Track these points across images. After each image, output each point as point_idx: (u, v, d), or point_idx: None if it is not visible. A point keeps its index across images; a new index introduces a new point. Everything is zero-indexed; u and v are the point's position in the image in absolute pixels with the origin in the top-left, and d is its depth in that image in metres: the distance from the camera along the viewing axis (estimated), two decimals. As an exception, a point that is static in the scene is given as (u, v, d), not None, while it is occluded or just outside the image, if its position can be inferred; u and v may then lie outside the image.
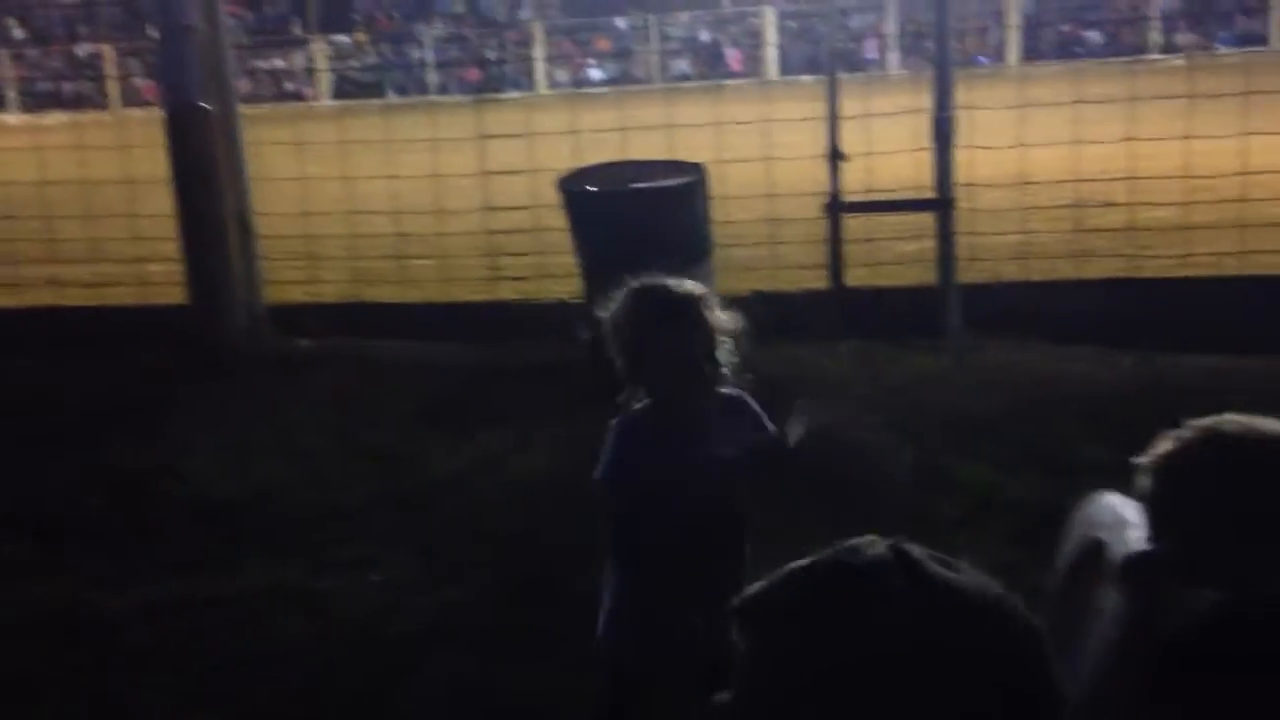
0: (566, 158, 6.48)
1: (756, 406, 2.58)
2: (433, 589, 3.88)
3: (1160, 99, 6.73)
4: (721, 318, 2.50)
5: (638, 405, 2.58)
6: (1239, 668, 1.56)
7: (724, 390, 2.54)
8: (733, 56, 27.55)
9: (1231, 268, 5.93)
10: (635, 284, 2.60)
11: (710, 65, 28.00)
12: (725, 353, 2.49)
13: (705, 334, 2.46)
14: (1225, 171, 6.11)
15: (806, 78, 19.21)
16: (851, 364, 5.87)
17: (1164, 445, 1.75)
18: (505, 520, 4.35)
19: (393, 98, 24.04)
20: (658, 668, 2.54)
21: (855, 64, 25.69)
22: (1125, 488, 4.07)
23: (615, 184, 5.42)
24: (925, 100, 5.92)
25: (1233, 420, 1.75)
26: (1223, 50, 22.51)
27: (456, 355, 5.95)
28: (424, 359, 5.90)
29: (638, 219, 5.30)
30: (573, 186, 5.47)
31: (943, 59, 5.89)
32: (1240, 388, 4.85)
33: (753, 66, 26.73)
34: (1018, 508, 4.19)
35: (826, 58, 6.34)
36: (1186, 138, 6.02)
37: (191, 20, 6.13)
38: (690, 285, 2.56)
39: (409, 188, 7.46)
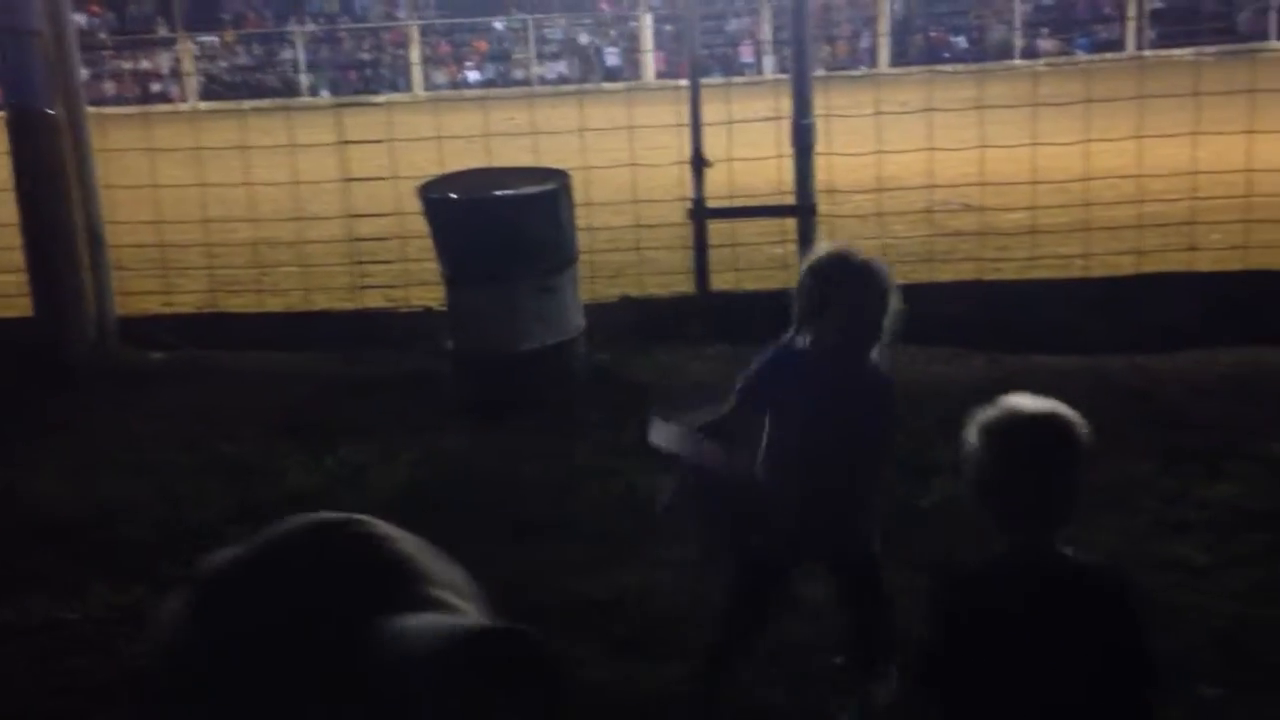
0: (435, 163, 6.42)
1: (893, 396, 2.96)
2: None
3: (1009, 107, 6.94)
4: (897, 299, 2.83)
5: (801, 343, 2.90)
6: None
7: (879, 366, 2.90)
8: (659, 58, 27.45)
9: (1077, 269, 6.16)
10: (838, 245, 2.95)
11: (589, 68, 28.04)
12: (890, 326, 2.84)
13: (886, 303, 2.80)
14: (1072, 175, 6.34)
15: (684, 82, 19.34)
16: (717, 366, 5.94)
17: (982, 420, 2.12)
18: (362, 535, 4.27)
19: (263, 101, 23.50)
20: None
21: (731, 68, 26.01)
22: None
23: (477, 191, 5.38)
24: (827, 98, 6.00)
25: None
26: (1081, 55, 23.39)
27: (318, 366, 5.84)
28: (284, 370, 5.77)
29: (500, 226, 5.27)
30: (434, 194, 5.42)
31: (800, 68, 5.98)
32: (1081, 384, 5.05)
33: (632, 70, 26.84)
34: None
35: (689, 64, 6.37)
36: (1035, 144, 6.22)
37: (35, 25, 5.90)
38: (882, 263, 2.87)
39: (272, 194, 7.31)
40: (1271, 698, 3.03)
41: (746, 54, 26.83)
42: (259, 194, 7.16)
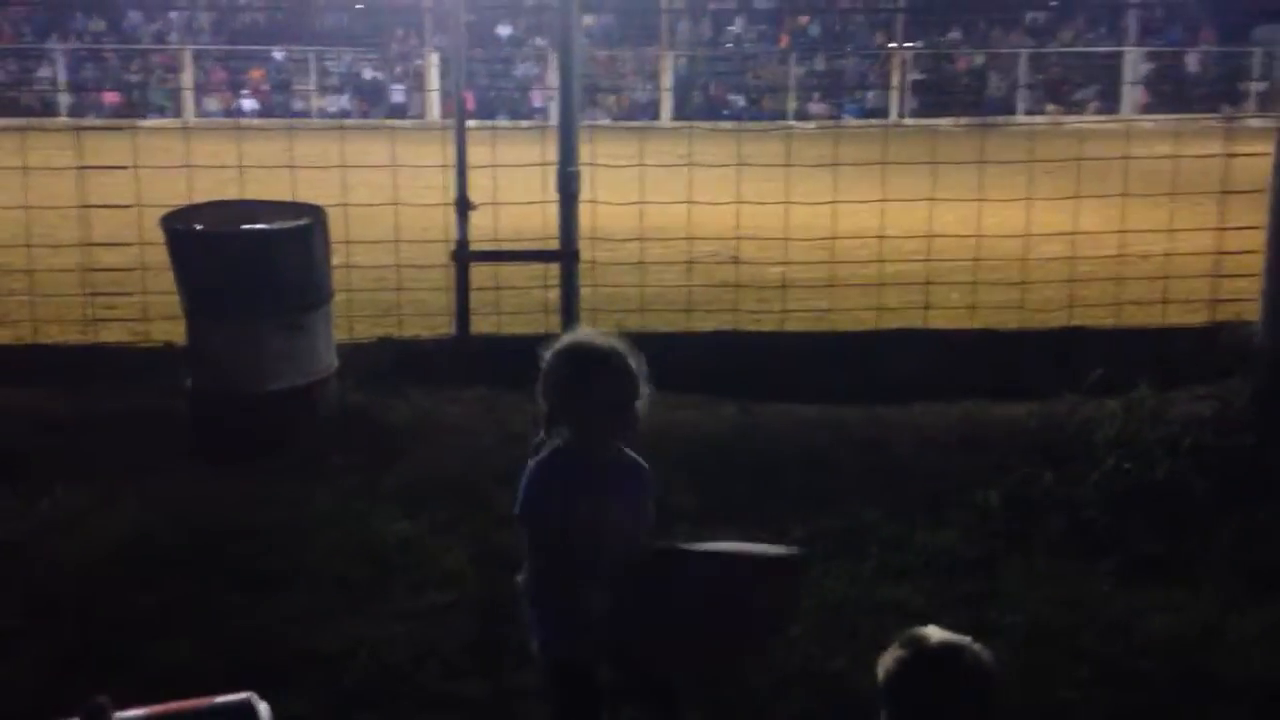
0: (193, 192, 6.13)
1: (649, 479, 2.78)
2: (-22, 667, 3.48)
3: (768, 165, 7.20)
4: (641, 372, 2.67)
5: (552, 446, 2.71)
6: None
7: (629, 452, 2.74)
8: (467, 96, 27.13)
9: (826, 324, 6.42)
10: (569, 338, 2.76)
11: (372, 102, 27.57)
12: (643, 406, 2.66)
13: (632, 384, 2.64)
14: (826, 233, 6.61)
15: (471, 122, 19.25)
16: (476, 410, 5.88)
17: (887, 660, 2.21)
18: (73, 587, 3.99)
19: (16, 120, 22.04)
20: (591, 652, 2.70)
21: (519, 112, 26.11)
22: (709, 534, 4.25)
23: (223, 224, 5.17)
24: (593, 147, 6.04)
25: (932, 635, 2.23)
26: (848, 119, 24.65)
27: (41, 402, 5.44)
28: (0, 406, 5.35)
29: (247, 262, 5.07)
30: (177, 225, 5.17)
31: (566, 116, 6.04)
32: (822, 433, 5.25)
33: (417, 108, 26.57)
34: (616, 555, 4.30)
35: (456, 106, 6.33)
36: (788, 202, 6.47)
37: None
38: (617, 341, 2.72)
39: (9, 216, 6.81)
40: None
41: (537, 99, 26.99)
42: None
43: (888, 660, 2.21)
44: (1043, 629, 3.78)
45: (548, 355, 2.72)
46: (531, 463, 2.74)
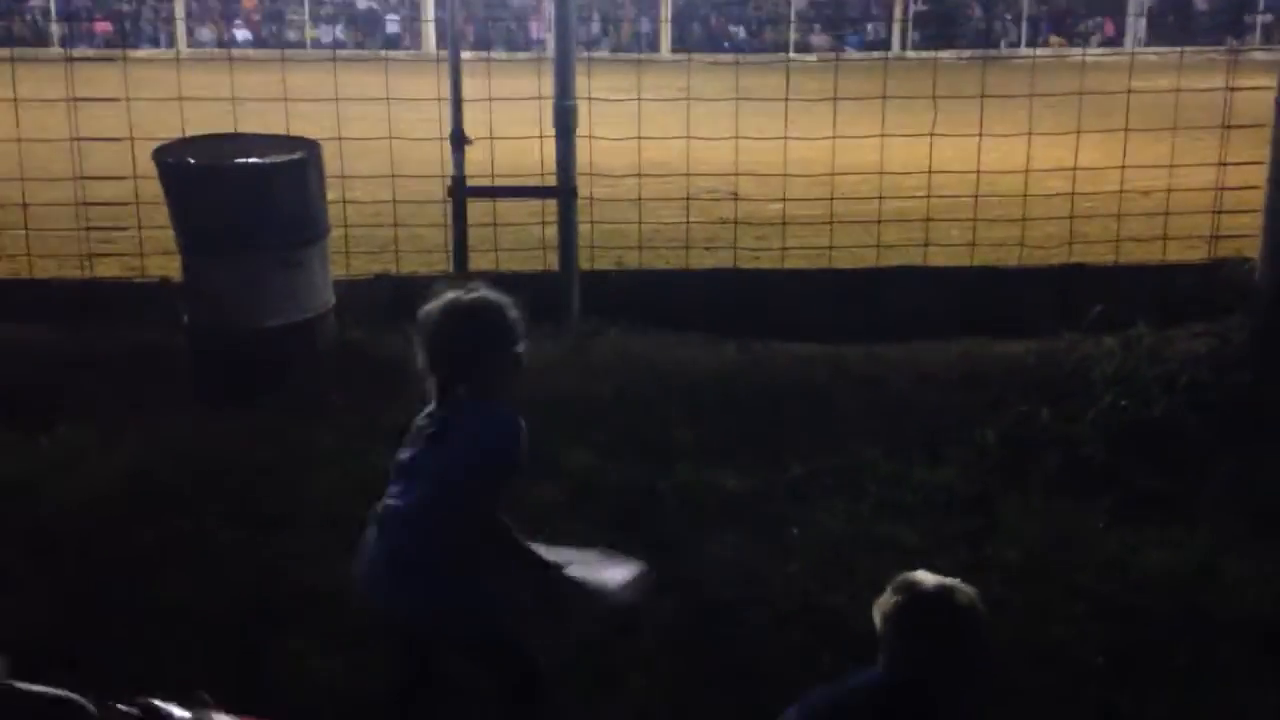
0: (177, 125, 6.05)
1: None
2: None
3: (763, 100, 7.11)
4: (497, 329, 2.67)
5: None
6: None
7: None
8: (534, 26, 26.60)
9: (824, 261, 6.39)
10: (451, 296, 2.71)
11: (368, 33, 27.21)
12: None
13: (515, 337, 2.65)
14: (819, 169, 6.55)
15: (467, 54, 19.00)
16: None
17: (884, 604, 2.26)
18: (76, 525, 4.00)
19: (5, 50, 21.70)
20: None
21: (516, 44, 25.79)
22: (710, 469, 4.25)
23: (217, 158, 5.11)
24: (590, 80, 5.96)
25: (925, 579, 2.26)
26: (850, 52, 24.36)
27: (39, 339, 5.42)
28: (-2, 343, 5.33)
29: (242, 197, 5.02)
30: (170, 159, 5.11)
31: (563, 49, 5.96)
32: (821, 371, 5.25)
33: (413, 39, 26.20)
34: (616, 491, 4.32)
35: (449, 38, 6.23)
36: (786, 138, 6.39)
37: None
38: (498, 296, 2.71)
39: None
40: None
41: (537, 30, 26.62)
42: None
43: (884, 604, 2.24)
44: (1039, 565, 3.81)
45: (439, 315, 2.68)
46: (470, 411, 2.66)
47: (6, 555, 3.79)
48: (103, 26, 26.10)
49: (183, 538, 3.98)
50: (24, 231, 6.39)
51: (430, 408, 2.69)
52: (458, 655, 2.78)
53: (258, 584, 3.71)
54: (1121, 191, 6.38)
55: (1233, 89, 6.11)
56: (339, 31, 26.73)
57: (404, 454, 2.71)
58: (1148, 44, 23.78)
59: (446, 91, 6.08)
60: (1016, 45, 24.85)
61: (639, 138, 6.38)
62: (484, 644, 2.69)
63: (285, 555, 3.89)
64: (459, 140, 6.10)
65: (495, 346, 2.65)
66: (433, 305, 2.68)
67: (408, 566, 2.60)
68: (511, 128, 6.57)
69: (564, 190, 6.04)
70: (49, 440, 4.55)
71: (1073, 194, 6.37)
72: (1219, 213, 6.24)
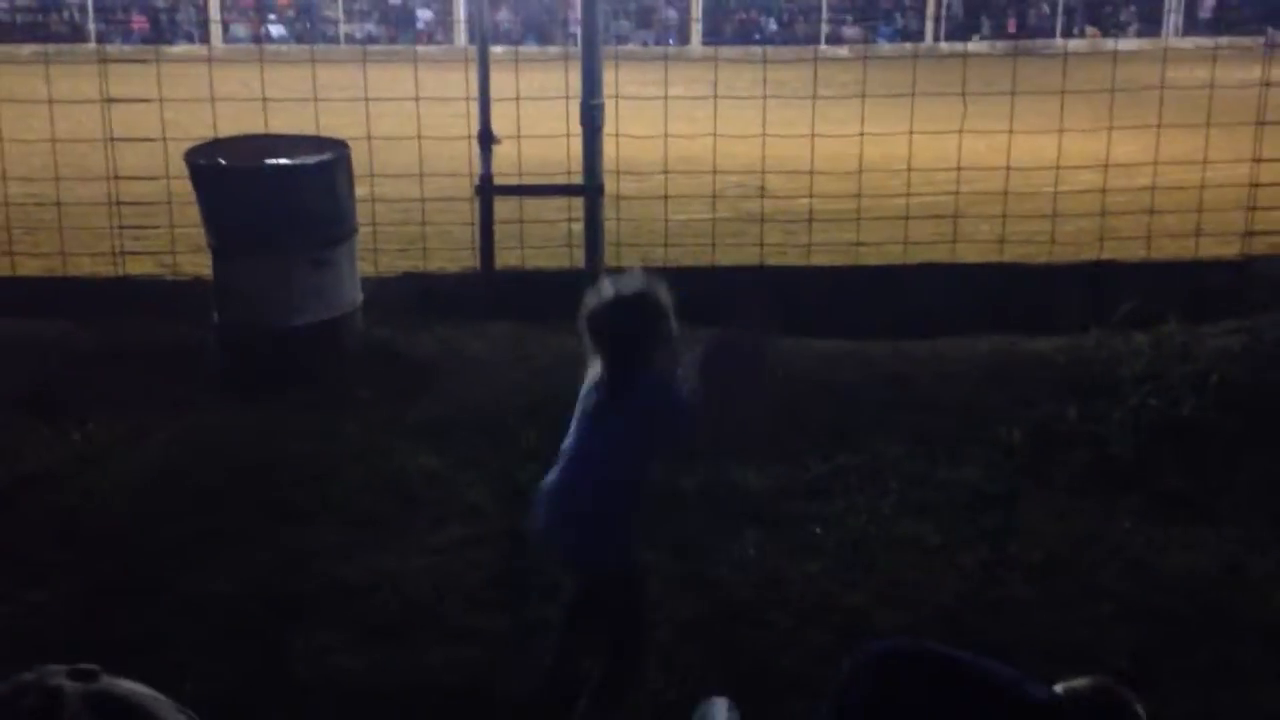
0: (210, 124, 6.12)
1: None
2: (12, 595, 3.58)
3: (780, 98, 7.10)
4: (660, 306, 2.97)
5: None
6: None
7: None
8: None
9: (851, 257, 6.37)
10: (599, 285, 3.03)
11: (400, 27, 27.31)
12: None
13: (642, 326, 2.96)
14: (847, 164, 6.52)
15: (498, 48, 19.04)
16: (501, 345, 5.90)
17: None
18: (107, 519, 4.07)
19: (46, 47, 21.98)
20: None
21: (548, 37, 25.80)
22: (733, 467, 4.25)
23: (247, 159, 5.17)
24: (617, 76, 5.97)
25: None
26: (882, 44, 24.20)
27: (71, 336, 5.50)
28: (32, 339, 5.41)
29: (271, 197, 5.08)
30: (201, 160, 5.17)
31: (590, 49, 5.97)
32: (847, 368, 5.23)
33: (446, 33, 26.30)
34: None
35: (479, 39, 6.26)
36: (813, 135, 6.37)
37: None
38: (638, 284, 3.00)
39: (39, 149, 6.82)
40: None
41: (574, 23, 26.62)
42: (22, 149, 6.68)
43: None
44: (1062, 565, 3.79)
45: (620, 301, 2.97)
46: (660, 385, 2.96)
47: (38, 547, 3.86)
48: (139, 23, 26.35)
49: (210, 532, 4.04)
50: (58, 229, 6.48)
51: (598, 377, 3.00)
52: (608, 588, 3.04)
53: (284, 578, 3.76)
54: (1154, 187, 6.32)
55: (1269, 83, 6.04)
56: (372, 26, 26.85)
57: (582, 415, 3.01)
58: (1185, 34, 23.47)
59: (475, 89, 6.11)
60: (1052, 36, 24.60)
61: (665, 135, 6.38)
62: (629, 579, 3.03)
63: (312, 550, 3.94)
64: (486, 139, 6.14)
65: (654, 328, 2.96)
66: (599, 295, 3.00)
67: (581, 515, 2.96)
68: (541, 123, 6.58)
69: (590, 188, 6.05)
70: (80, 435, 4.62)
71: (1104, 189, 6.31)
72: (1253, 209, 6.16)
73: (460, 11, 24.56)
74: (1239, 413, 4.65)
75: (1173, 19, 24.28)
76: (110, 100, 6.07)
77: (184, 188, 5.52)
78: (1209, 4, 25.04)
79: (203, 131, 5.85)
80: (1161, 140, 6.15)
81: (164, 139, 6.13)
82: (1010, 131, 6.20)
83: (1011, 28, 25.52)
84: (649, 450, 3.01)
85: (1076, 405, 4.72)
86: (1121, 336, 5.36)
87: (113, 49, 21.69)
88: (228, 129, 5.93)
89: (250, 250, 5.08)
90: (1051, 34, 25.14)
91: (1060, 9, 25.76)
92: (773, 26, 26.40)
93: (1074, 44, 21.99)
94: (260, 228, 5.05)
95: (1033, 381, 5.03)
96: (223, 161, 5.18)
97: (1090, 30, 25.52)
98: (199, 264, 6.06)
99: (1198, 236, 6.31)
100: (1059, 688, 2.29)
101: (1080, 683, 2.30)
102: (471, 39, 6.62)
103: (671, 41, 24.51)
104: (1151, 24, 25.16)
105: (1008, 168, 6.27)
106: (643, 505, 3.03)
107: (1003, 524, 4.00)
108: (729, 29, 25.85)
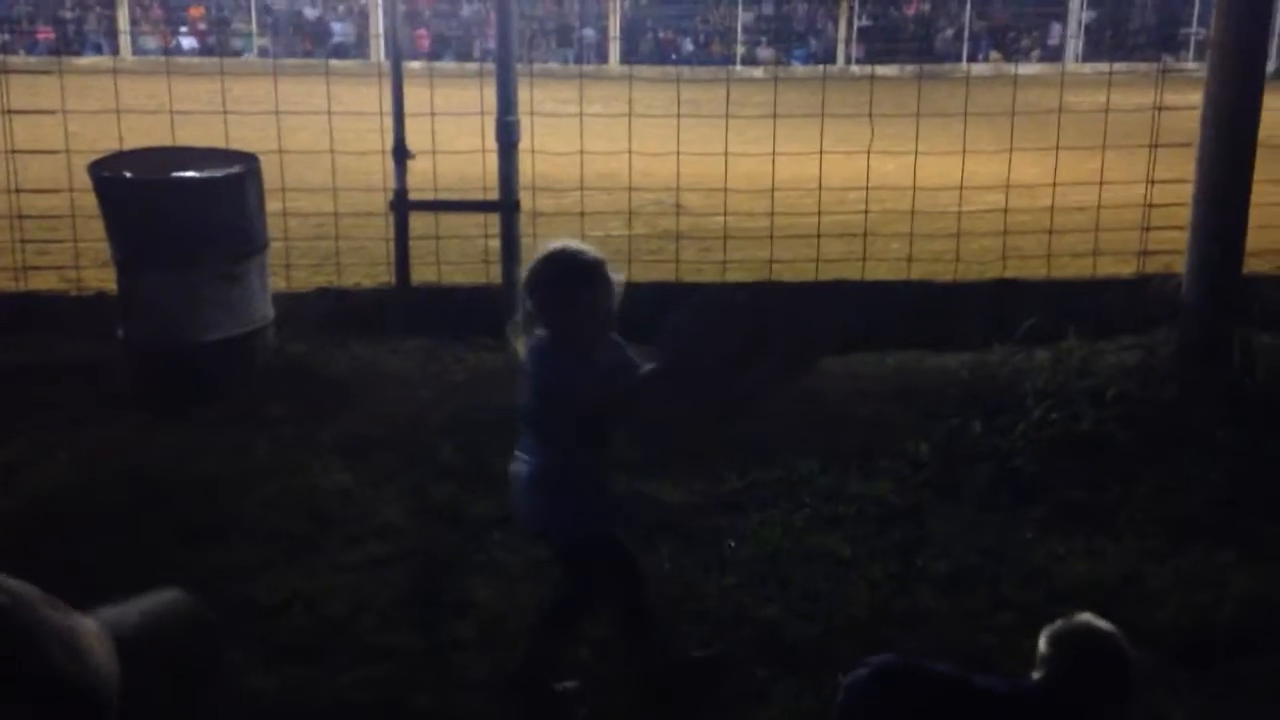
0: (116, 137, 6.00)
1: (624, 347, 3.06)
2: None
3: (698, 117, 7.19)
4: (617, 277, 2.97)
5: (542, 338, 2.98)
6: None
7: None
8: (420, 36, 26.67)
9: (764, 273, 6.45)
10: (558, 246, 2.99)
11: (318, 42, 27.03)
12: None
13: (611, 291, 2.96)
14: (762, 182, 6.62)
15: (415, 64, 18.96)
16: (417, 361, 5.87)
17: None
18: (9, 538, 3.95)
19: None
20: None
21: (465, 54, 25.76)
22: (648, 481, 4.29)
23: (153, 172, 5.08)
24: (533, 93, 5.99)
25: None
26: (796, 66, 24.60)
27: (-31, 353, 5.35)
28: (-72, 357, 5.25)
29: (178, 211, 5.00)
30: (105, 172, 5.07)
31: (505, 64, 5.98)
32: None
33: (361, 49, 26.10)
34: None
35: (392, 53, 6.24)
36: (728, 153, 6.46)
37: None
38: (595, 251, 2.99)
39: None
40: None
41: (488, 41, 26.60)
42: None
43: (1056, 630, 2.50)
44: (968, 576, 3.88)
45: (537, 263, 2.97)
46: (536, 352, 2.97)
47: (-66, 573, 3.74)
48: (45, 33, 25.72)
49: (120, 551, 3.94)
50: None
51: (544, 344, 2.98)
52: (575, 556, 3.13)
53: (194, 597, 3.69)
54: (1054, 207, 6.53)
55: (1162, 108, 6.27)
56: (287, 40, 26.55)
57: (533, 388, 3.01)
58: (1085, 59, 24.24)
59: (390, 104, 6.09)
60: (958, 60, 25.21)
61: (581, 152, 6.42)
62: (595, 543, 3.09)
63: (223, 569, 3.88)
64: (401, 154, 6.11)
65: (564, 298, 2.92)
66: (563, 255, 2.97)
67: (526, 486, 3.05)
68: (459, 139, 6.58)
69: (506, 204, 6.06)
70: (-19, 455, 4.49)
71: (1007, 209, 6.50)
72: (1148, 229, 6.39)
73: (379, 25, 24.40)
74: (1136, 426, 4.81)
75: (1072, 45, 25.05)
76: (11, 112, 5.93)
77: (88, 201, 5.42)
78: (1057, 32, 25.86)
79: (108, 144, 5.74)
80: (1062, 162, 6.36)
81: (68, 151, 6.00)
82: (917, 153, 6.36)
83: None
84: (551, 424, 2.98)
85: (981, 420, 4.84)
86: (1024, 352, 5.52)
87: (16, 60, 21.14)
88: (135, 142, 5.82)
89: (157, 265, 4.99)
90: (958, 58, 25.77)
91: (965, 35, 26.44)
92: (689, 47, 26.67)
93: (978, 68, 22.55)
94: (167, 242, 4.97)
95: (939, 397, 5.16)
96: (128, 174, 5.09)
97: (994, 55, 26.22)
98: (104, 279, 5.94)
99: (1096, 255, 6.53)
100: (1042, 643, 2.46)
101: (1058, 626, 2.48)
102: (387, 54, 6.61)
103: (591, 60, 24.61)
104: (1052, 49, 25.94)
105: (914, 187, 6.42)
106: (604, 472, 3.11)
107: (912, 537, 4.09)
108: (647, 48, 26.05)
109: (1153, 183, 6.30)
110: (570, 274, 2.92)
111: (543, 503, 3.07)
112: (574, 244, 3.01)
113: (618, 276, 2.98)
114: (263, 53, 25.39)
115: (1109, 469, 4.55)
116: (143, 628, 1.08)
